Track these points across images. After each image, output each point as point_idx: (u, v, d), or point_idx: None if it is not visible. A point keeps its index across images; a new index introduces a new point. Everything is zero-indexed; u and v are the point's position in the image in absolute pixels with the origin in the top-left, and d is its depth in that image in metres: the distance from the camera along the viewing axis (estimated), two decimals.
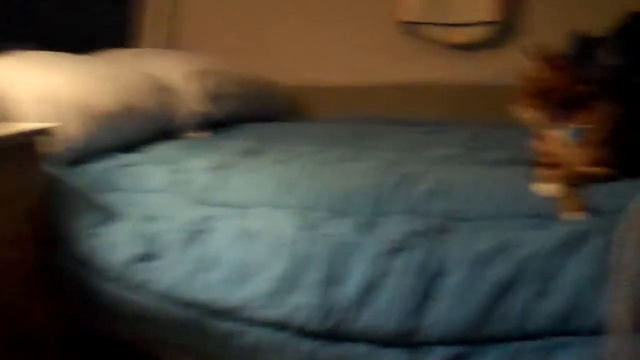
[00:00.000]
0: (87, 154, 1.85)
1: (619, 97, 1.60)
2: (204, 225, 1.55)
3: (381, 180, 1.64)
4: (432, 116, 2.68)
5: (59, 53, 2.12)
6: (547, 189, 1.48)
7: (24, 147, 1.50)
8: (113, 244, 1.52)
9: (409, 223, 1.50)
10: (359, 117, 2.67)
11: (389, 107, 2.81)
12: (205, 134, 2.32)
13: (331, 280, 1.38)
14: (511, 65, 1.76)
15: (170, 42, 3.14)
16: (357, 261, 1.40)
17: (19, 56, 2.01)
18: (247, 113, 2.60)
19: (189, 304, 1.45)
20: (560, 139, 1.59)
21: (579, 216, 1.40)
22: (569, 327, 1.25)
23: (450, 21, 2.77)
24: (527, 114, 1.64)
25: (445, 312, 1.31)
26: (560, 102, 1.59)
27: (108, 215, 1.59)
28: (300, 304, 1.38)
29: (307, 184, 1.68)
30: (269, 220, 1.57)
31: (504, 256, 1.32)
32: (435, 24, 2.79)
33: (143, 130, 2.08)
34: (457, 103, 2.78)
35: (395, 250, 1.39)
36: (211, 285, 1.44)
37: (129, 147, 2.01)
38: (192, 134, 2.28)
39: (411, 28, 2.83)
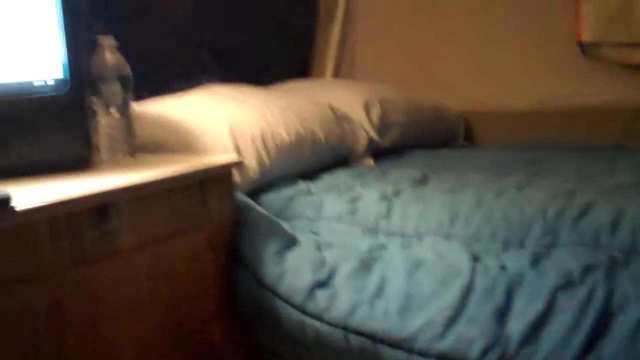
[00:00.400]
0: (266, 182, 1.96)
1: None
2: (377, 254, 1.59)
3: (558, 211, 1.60)
4: (610, 141, 2.57)
5: (242, 86, 2.28)
6: None
7: (218, 178, 1.63)
8: (295, 270, 1.59)
9: (587, 256, 1.45)
10: (533, 142, 2.61)
11: (565, 131, 2.72)
12: (372, 162, 2.37)
13: (503, 313, 1.37)
14: None
15: (341, 71, 3.25)
16: (531, 294, 1.38)
17: (206, 90, 2.20)
18: (415, 139, 2.64)
19: (362, 333, 1.49)
20: None
21: None
22: None
23: (632, 40, 2.66)
24: None
25: (621, 351, 1.26)
26: None
27: (291, 241, 1.67)
28: (471, 336, 1.38)
29: (479, 214, 1.67)
30: (441, 250, 1.59)
31: None
32: (615, 44, 2.69)
33: (318, 159, 2.17)
34: (635, 127, 2.65)
35: (571, 284, 1.36)
36: (384, 315, 1.47)
37: (305, 175, 2.11)
38: (362, 162, 2.34)
39: (589, 49, 2.75)
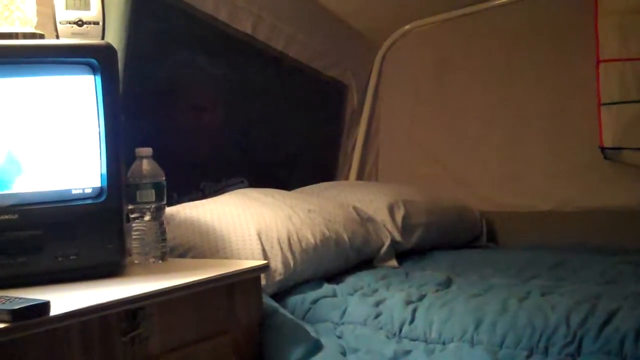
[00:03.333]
0: (290, 285, 1.99)
1: None
2: None
3: (582, 318, 1.61)
4: (634, 244, 2.58)
5: (268, 190, 2.35)
6: None
7: (245, 283, 1.66)
8: None
9: None
10: (558, 244, 2.63)
11: (589, 234, 2.74)
12: (396, 263, 2.39)
13: None
14: None
15: (365, 173, 3.33)
16: None
17: (235, 193, 2.27)
18: (438, 240, 2.66)
19: None
20: None
21: None
22: None
23: None
24: None
25: None
26: None
27: (316, 346, 1.68)
28: None
29: (504, 320, 1.67)
30: (465, 357, 1.60)
31: None
32: (636, 149, 2.74)
33: (343, 261, 2.20)
34: None
35: None
36: None
37: (330, 276, 2.13)
38: (386, 263, 2.36)
39: (612, 153, 2.80)
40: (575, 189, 2.89)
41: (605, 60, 2.79)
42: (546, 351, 1.57)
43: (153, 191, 1.74)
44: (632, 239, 2.64)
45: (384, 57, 3.35)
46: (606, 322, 1.58)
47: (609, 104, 2.77)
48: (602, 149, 2.80)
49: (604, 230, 2.74)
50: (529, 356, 1.58)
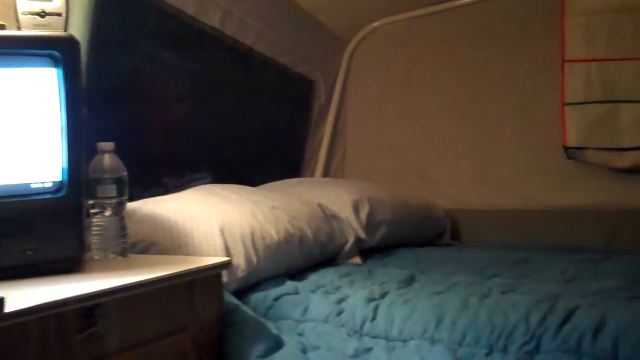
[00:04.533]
0: (254, 280, 1.98)
1: None
2: (363, 358, 1.61)
3: (542, 317, 1.62)
4: (595, 242, 2.63)
5: (232, 185, 2.34)
6: None
7: (206, 280, 1.65)
8: None
9: None
10: (520, 242, 2.66)
11: (551, 232, 2.79)
12: (361, 261, 2.39)
13: None
14: None
15: (331, 170, 3.34)
16: None
17: (199, 189, 2.25)
18: (403, 237, 2.68)
19: None
20: None
21: None
22: None
23: (614, 145, 2.75)
24: None
25: None
26: None
27: (276, 344, 1.67)
28: None
29: (465, 318, 1.68)
30: (425, 355, 1.60)
31: None
32: (599, 149, 2.78)
33: (307, 258, 2.20)
34: (621, 229, 2.71)
35: None
36: None
37: (293, 273, 2.13)
38: (350, 260, 2.37)
39: (574, 153, 2.83)
40: (538, 188, 2.93)
41: (570, 60, 2.82)
42: (505, 349, 1.58)
43: (114, 186, 1.72)
44: (593, 237, 2.68)
45: (352, 54, 3.35)
46: (565, 321, 1.59)
47: (573, 103, 2.81)
48: (566, 148, 2.83)
49: (566, 229, 2.78)
50: (488, 354, 1.58)
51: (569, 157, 2.85)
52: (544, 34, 2.90)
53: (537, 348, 1.56)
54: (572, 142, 2.81)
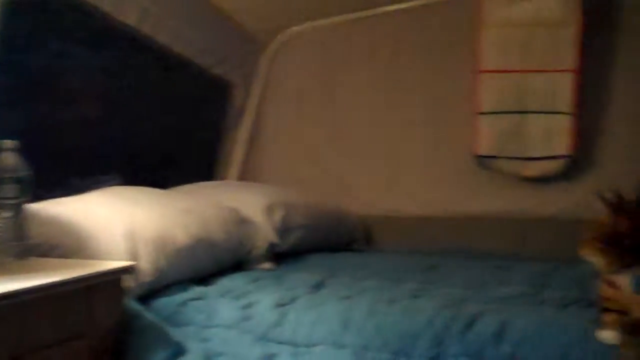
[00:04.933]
0: (159, 287, 1.93)
1: None
2: None
3: (446, 322, 1.64)
4: (504, 249, 2.69)
5: (142, 188, 2.28)
6: (608, 336, 1.45)
7: (106, 285, 1.60)
8: None
9: None
10: (431, 248, 2.71)
11: (461, 239, 2.84)
12: (272, 266, 2.37)
13: None
14: (583, 199, 1.78)
15: (247, 174, 3.31)
16: None
17: (107, 191, 2.19)
18: (316, 242, 2.67)
19: None
20: (623, 285, 1.57)
21: None
22: None
23: (524, 155, 2.82)
24: (593, 258, 1.63)
25: None
26: (625, 248, 1.58)
27: (178, 351, 1.64)
28: None
29: (372, 323, 1.69)
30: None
31: None
32: (509, 158, 2.85)
33: (216, 262, 2.17)
34: (529, 236, 2.78)
35: None
36: None
37: (201, 278, 2.09)
38: (260, 266, 2.34)
39: (485, 161, 2.89)
40: (451, 195, 2.98)
41: (485, 71, 2.88)
42: (410, 354, 1.60)
43: (15, 186, 1.66)
44: (501, 244, 2.75)
45: (271, 57, 3.34)
46: (468, 326, 1.62)
47: (486, 113, 2.87)
48: (477, 156, 2.89)
49: (476, 236, 2.84)
50: (390, 359, 1.59)
51: (480, 166, 2.90)
52: (461, 44, 2.95)
53: (440, 353, 1.58)
54: (483, 150, 2.87)
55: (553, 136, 2.78)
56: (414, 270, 2.29)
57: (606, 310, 1.59)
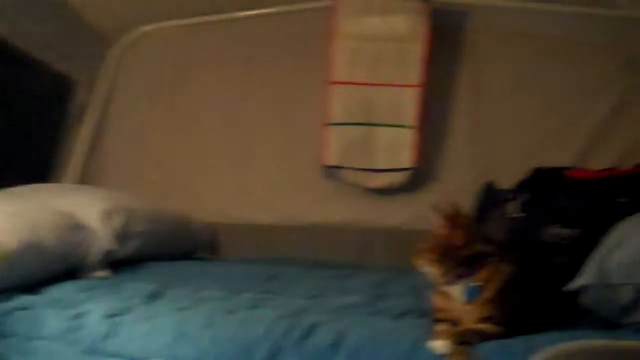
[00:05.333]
0: None
1: (514, 255, 1.65)
2: None
3: (284, 332, 1.62)
4: (347, 258, 2.74)
5: None
6: (439, 346, 1.49)
7: None
8: None
9: None
10: (275, 257, 2.69)
11: (307, 248, 2.86)
12: (108, 274, 2.26)
13: None
14: (424, 211, 1.83)
15: (88, 178, 3.16)
16: None
17: None
18: (158, 250, 2.58)
19: None
20: (455, 296, 1.62)
21: None
22: None
23: (370, 166, 2.87)
24: (427, 268, 1.67)
25: None
26: (458, 260, 1.63)
27: None
28: None
29: (208, 334, 1.64)
30: None
31: None
32: (355, 169, 2.89)
33: (46, 270, 2.02)
34: (373, 246, 2.83)
35: None
36: None
37: (30, 287, 1.95)
38: (96, 274, 2.22)
39: (333, 172, 2.92)
40: (298, 204, 2.99)
41: (335, 82, 2.91)
42: None
43: None
44: (345, 253, 2.79)
45: (118, 56, 3.21)
46: (306, 336, 1.60)
47: (334, 124, 2.90)
48: (325, 167, 2.91)
49: (322, 245, 2.87)
50: None
51: (328, 176, 2.93)
52: (315, 54, 2.97)
53: None
54: (331, 161, 2.90)
55: (398, 149, 2.85)
56: (254, 280, 2.26)
57: (438, 320, 1.65)
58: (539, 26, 2.84)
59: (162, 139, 3.18)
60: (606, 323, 1.60)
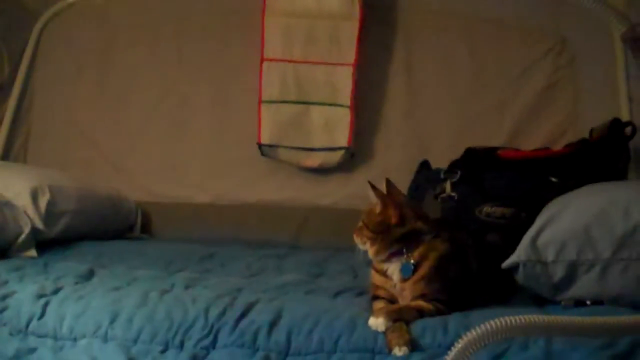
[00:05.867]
0: None
1: (449, 233, 1.67)
2: (25, 359, 1.46)
3: (220, 312, 1.60)
4: (284, 237, 2.74)
5: None
6: (377, 322, 1.49)
7: None
8: None
9: (243, 358, 1.48)
10: (213, 236, 2.67)
11: (243, 227, 2.83)
12: (35, 253, 2.20)
13: None
14: (359, 189, 1.83)
15: (11, 154, 3.05)
16: None
17: None
18: (88, 229, 2.52)
19: None
20: (391, 273, 1.63)
21: (405, 352, 1.41)
22: None
23: (305, 145, 2.86)
24: (364, 246, 1.67)
25: None
26: (393, 238, 1.64)
27: None
28: None
29: (142, 314, 1.61)
30: (96, 354, 1.51)
31: None
32: (291, 148, 2.87)
33: None
34: (308, 225, 2.84)
35: None
36: None
37: None
38: (23, 254, 2.16)
39: (268, 150, 2.89)
40: (232, 183, 2.95)
41: (268, 59, 2.87)
42: (182, 345, 1.54)
43: None
44: (281, 233, 2.77)
45: (43, 28, 3.09)
46: (243, 315, 1.59)
47: (268, 102, 2.86)
48: (260, 145, 2.88)
49: (257, 224, 2.85)
50: (163, 351, 1.53)
51: (262, 154, 2.90)
52: (248, 30, 2.91)
53: (213, 343, 1.55)
54: (265, 139, 2.87)
55: (333, 128, 2.84)
56: (190, 259, 2.23)
57: (376, 298, 1.66)
58: (472, 7, 2.86)
59: (90, 115, 3.07)
60: (540, 300, 1.64)
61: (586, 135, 2.45)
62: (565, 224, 1.61)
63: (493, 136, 2.72)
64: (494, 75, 2.85)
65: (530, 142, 2.65)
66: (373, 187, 1.69)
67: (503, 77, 2.84)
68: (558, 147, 2.54)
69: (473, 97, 2.86)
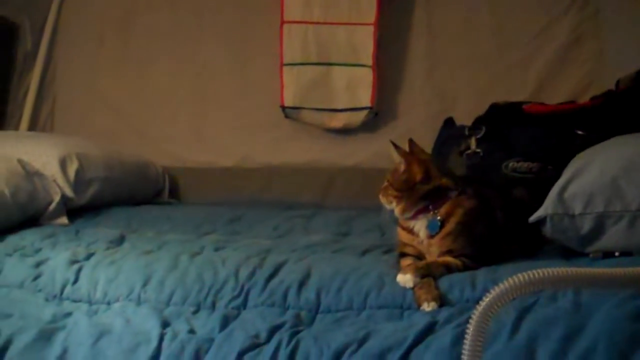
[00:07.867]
0: None
1: (476, 188, 1.67)
2: (61, 324, 1.49)
3: (250, 272, 1.62)
4: (310, 198, 2.75)
5: None
6: (405, 279, 1.50)
7: None
8: None
9: (274, 316, 1.49)
10: (238, 199, 2.69)
11: (269, 189, 2.86)
12: (66, 220, 2.23)
13: None
14: (383, 149, 1.83)
15: (39, 124, 3.09)
16: (219, 358, 1.37)
17: None
18: (117, 195, 2.55)
19: None
20: (418, 230, 1.64)
21: (433, 307, 1.42)
22: None
23: (328, 106, 2.86)
24: (390, 204, 1.68)
25: None
26: (419, 195, 1.64)
27: None
28: None
29: (173, 277, 1.64)
30: (130, 316, 1.53)
31: (363, 350, 1.32)
32: (314, 109, 2.87)
33: (4, 219, 1.99)
34: (333, 186, 2.84)
35: (257, 345, 1.38)
36: None
37: None
38: (55, 221, 2.19)
39: (292, 112, 2.89)
40: (257, 146, 2.96)
41: (288, 22, 2.86)
42: (213, 306, 1.57)
43: None
44: (307, 193, 2.80)
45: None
46: (272, 275, 1.61)
47: (290, 64, 2.86)
48: (283, 108, 2.88)
49: (282, 186, 2.86)
50: (196, 312, 1.55)
51: (286, 117, 2.91)
52: None
53: (245, 303, 1.56)
54: (289, 102, 2.87)
55: (355, 88, 2.83)
56: (218, 222, 2.26)
57: (403, 255, 1.67)
58: None
59: (113, 82, 3.09)
60: (568, 252, 1.64)
61: (612, 87, 2.42)
62: (593, 177, 1.60)
63: (517, 92, 2.69)
64: (516, 31, 2.81)
65: (555, 97, 2.61)
66: (395, 146, 1.69)
67: (526, 33, 2.80)
68: (583, 100, 2.51)
69: (496, 54, 2.83)
